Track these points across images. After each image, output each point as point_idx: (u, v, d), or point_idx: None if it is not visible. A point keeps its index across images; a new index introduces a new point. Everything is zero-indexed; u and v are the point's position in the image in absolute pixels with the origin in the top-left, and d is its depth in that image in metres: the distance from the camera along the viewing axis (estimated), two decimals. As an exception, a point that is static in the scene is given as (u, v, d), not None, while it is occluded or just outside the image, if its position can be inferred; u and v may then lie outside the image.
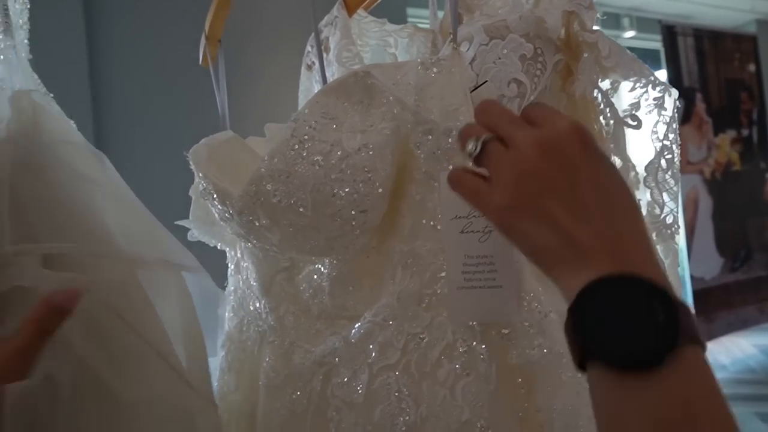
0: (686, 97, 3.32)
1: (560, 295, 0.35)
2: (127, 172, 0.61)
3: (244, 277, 0.76)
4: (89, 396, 0.43)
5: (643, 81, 0.55)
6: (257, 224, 0.56)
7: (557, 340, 0.44)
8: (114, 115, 1.86)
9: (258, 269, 0.72)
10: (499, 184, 0.36)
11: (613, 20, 3.87)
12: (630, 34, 3.89)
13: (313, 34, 0.92)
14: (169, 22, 1.83)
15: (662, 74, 3.44)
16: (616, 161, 0.58)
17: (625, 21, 3.84)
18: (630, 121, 0.56)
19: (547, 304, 0.46)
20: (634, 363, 0.29)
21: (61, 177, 0.51)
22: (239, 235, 0.64)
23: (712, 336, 3.34)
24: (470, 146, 0.37)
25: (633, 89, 0.56)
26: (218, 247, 0.81)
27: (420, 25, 0.86)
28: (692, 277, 3.28)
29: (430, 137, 0.49)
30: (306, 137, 0.49)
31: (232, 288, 0.79)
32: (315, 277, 0.62)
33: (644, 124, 0.56)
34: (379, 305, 0.54)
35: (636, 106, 0.56)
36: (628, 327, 0.30)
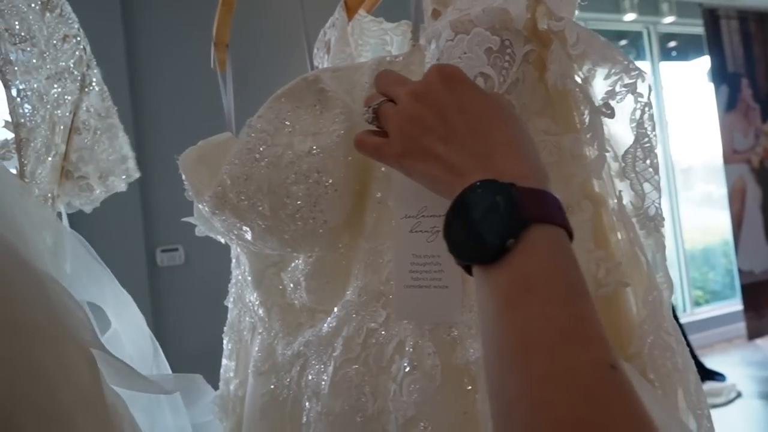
0: (731, 84, 3.05)
1: None
2: (164, 174, 0.61)
3: (242, 270, 0.76)
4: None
5: (618, 68, 0.51)
6: (228, 223, 0.56)
7: None
8: (152, 118, 1.92)
9: (251, 263, 0.72)
10: (392, 137, 0.39)
11: (652, 5, 3.53)
12: (670, 19, 3.50)
13: (319, 37, 0.92)
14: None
15: (705, 60, 3.19)
16: (594, 152, 0.54)
17: (664, 6, 3.51)
18: (604, 110, 0.52)
19: None
20: (480, 256, 0.32)
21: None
22: (222, 232, 0.64)
23: (763, 332, 3.08)
24: (364, 112, 0.41)
25: (608, 76, 0.51)
26: (223, 242, 0.82)
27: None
28: (740, 271, 3.03)
29: None
30: (260, 142, 0.48)
31: (234, 281, 0.80)
32: (296, 272, 0.62)
33: (621, 112, 0.51)
34: (345, 300, 0.52)
35: (612, 93, 0.51)
36: (475, 225, 0.32)
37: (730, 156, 3.02)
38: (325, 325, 0.56)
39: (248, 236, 0.56)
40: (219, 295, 0.82)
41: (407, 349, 0.45)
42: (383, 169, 0.48)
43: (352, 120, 0.48)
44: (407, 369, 0.45)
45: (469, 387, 0.43)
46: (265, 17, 2.09)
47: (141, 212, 2.27)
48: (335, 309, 0.55)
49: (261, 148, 0.48)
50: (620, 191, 0.54)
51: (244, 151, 0.49)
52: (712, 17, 3.02)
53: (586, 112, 0.52)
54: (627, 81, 0.50)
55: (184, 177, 0.62)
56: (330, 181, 0.49)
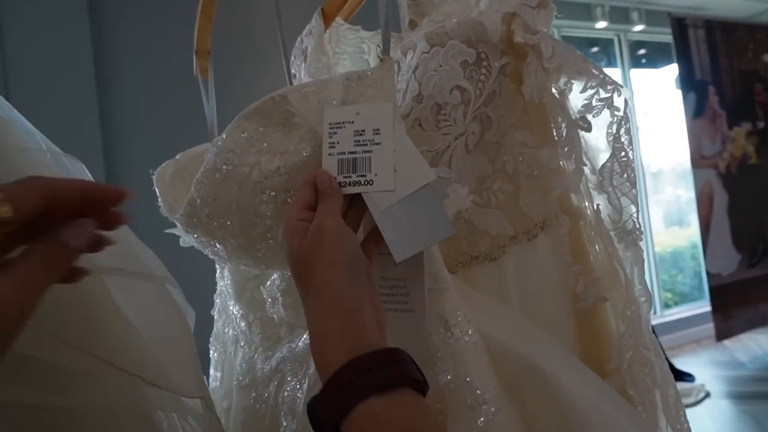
0: (699, 91, 3.05)
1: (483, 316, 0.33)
2: (133, 180, 0.57)
3: (226, 282, 0.72)
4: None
5: (594, 81, 0.48)
6: (203, 240, 0.52)
7: (467, 363, 0.38)
8: (120, 122, 1.82)
9: (233, 276, 0.69)
10: None
11: (622, 14, 3.52)
12: (639, 27, 3.51)
13: (296, 44, 0.88)
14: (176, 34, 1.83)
15: (674, 68, 3.19)
16: (571, 165, 0.51)
17: (634, 14, 3.51)
18: (581, 123, 0.49)
19: (464, 326, 0.40)
20: None
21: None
22: (198, 247, 0.60)
23: (731, 333, 3.07)
24: None
25: (584, 90, 0.48)
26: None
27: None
28: (709, 274, 3.01)
29: None
30: (226, 161, 0.44)
31: (218, 291, 0.76)
32: (273, 287, 0.58)
33: (598, 126, 0.48)
34: None
35: (588, 107, 0.48)
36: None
37: (698, 161, 3.02)
38: (301, 341, 0.52)
39: (222, 253, 0.52)
40: (205, 305, 0.78)
41: None
42: None
43: (318, 139, 0.44)
44: None
45: (437, 405, 0.39)
46: (246, 24, 2.02)
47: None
48: (312, 326, 0.51)
49: (228, 168, 0.45)
50: (598, 204, 0.51)
51: (210, 171, 0.45)
52: (680, 26, 3.02)
53: (563, 125, 0.49)
54: (603, 95, 0.47)
55: (158, 192, 0.58)
56: None
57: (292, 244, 0.37)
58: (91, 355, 0.39)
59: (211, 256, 0.72)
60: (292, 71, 0.90)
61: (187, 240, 0.75)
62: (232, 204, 0.45)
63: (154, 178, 0.60)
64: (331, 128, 0.42)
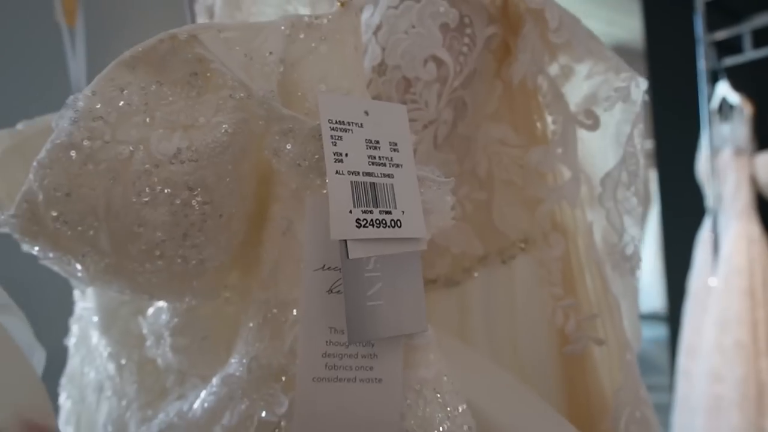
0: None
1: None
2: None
3: (88, 305, 0.54)
4: None
5: (602, 66, 0.38)
6: (49, 256, 0.35)
7: None
8: None
9: (99, 299, 0.51)
10: None
11: None
12: None
13: None
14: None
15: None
16: (565, 172, 0.42)
17: None
18: (584, 119, 0.39)
19: (453, 401, 0.29)
20: None
21: None
22: (46, 262, 0.43)
23: None
24: None
25: (590, 76, 0.39)
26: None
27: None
28: None
29: (290, 143, 0.29)
30: (93, 135, 0.29)
31: (77, 316, 0.57)
32: (158, 321, 0.42)
33: (603, 124, 0.39)
34: (226, 373, 0.34)
35: (592, 99, 0.39)
36: None
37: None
38: (197, 403, 0.37)
39: (81, 275, 0.36)
40: (56, 332, 0.59)
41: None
42: (293, 186, 0.31)
43: (246, 109, 0.30)
44: None
45: None
46: None
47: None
48: (213, 380, 0.37)
49: (93, 146, 0.29)
50: (591, 222, 0.42)
51: (64, 148, 0.29)
52: None
53: (561, 119, 0.39)
54: (618, 84, 0.37)
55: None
56: (209, 202, 0.30)
57: None
58: None
59: (64, 275, 0.54)
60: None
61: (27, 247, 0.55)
62: (99, 203, 0.29)
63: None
64: (333, 129, 0.27)
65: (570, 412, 0.40)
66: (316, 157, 0.29)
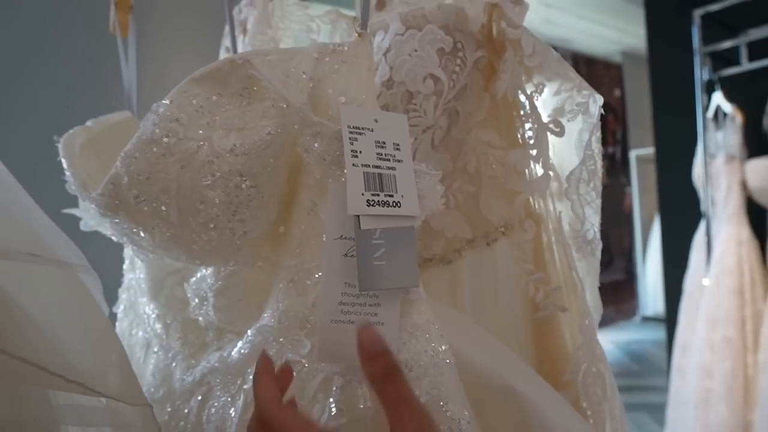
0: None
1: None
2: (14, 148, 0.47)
3: (137, 275, 0.64)
4: None
5: (568, 84, 0.47)
6: (124, 227, 0.45)
7: (442, 385, 0.35)
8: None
9: (148, 270, 0.60)
10: None
11: None
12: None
13: (233, 13, 0.80)
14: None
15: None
16: (538, 169, 0.50)
17: None
18: (554, 127, 0.48)
19: (438, 341, 0.38)
20: None
21: None
22: (114, 235, 0.52)
23: None
24: None
25: (558, 93, 0.48)
26: (114, 239, 0.68)
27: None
28: None
29: (318, 142, 0.39)
30: (169, 133, 0.38)
31: (126, 286, 0.67)
32: (203, 285, 0.51)
33: (568, 131, 0.48)
34: (260, 324, 0.44)
35: (560, 111, 0.48)
36: None
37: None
38: (235, 350, 0.46)
39: (146, 244, 0.45)
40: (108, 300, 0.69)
41: (334, 388, 0.38)
42: (318, 176, 0.41)
43: (285, 116, 0.39)
44: (333, 412, 0.37)
45: None
46: None
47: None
48: (249, 332, 0.46)
49: (170, 141, 0.38)
50: (559, 212, 0.51)
51: (147, 143, 0.39)
52: None
53: (535, 127, 0.48)
54: (579, 100, 0.46)
55: (65, 165, 0.49)
56: (254, 186, 0.40)
57: None
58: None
59: (127, 245, 0.63)
60: (226, 43, 0.82)
61: (90, 224, 0.65)
62: (172, 185, 0.38)
63: (60, 146, 0.51)
64: (351, 133, 0.37)
65: (539, 366, 0.49)
66: (337, 153, 0.38)
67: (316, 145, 0.39)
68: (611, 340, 4.01)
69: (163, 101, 0.39)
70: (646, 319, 4.61)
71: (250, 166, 0.38)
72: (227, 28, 0.83)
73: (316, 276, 0.42)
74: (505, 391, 0.38)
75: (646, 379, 3.25)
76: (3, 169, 0.44)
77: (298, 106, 0.38)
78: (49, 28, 1.45)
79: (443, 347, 0.38)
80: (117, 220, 0.44)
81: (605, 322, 4.38)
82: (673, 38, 1.93)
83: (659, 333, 3.45)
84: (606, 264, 4.47)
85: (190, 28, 1.74)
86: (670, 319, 2.08)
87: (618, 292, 4.61)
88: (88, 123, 0.58)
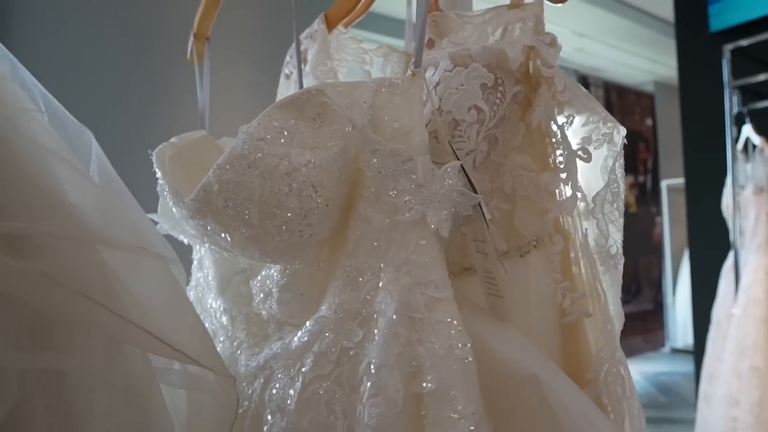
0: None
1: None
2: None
3: (205, 274, 0.72)
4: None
5: (595, 117, 0.54)
6: (208, 228, 0.52)
7: (454, 378, 0.41)
8: (94, 104, 1.73)
9: (217, 269, 0.68)
10: None
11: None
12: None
13: (293, 44, 0.89)
14: (156, 18, 1.77)
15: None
16: (567, 190, 0.57)
17: None
18: (581, 154, 0.55)
19: (459, 338, 0.43)
20: None
21: (23, 150, 0.43)
22: (195, 235, 0.60)
23: None
24: None
25: (586, 124, 0.54)
26: (185, 242, 0.77)
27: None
28: None
29: (376, 159, 0.46)
30: (256, 150, 0.45)
31: (194, 284, 0.75)
32: (267, 282, 0.59)
33: (594, 158, 0.54)
34: (318, 316, 0.51)
35: (587, 140, 0.54)
36: None
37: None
38: (296, 338, 0.53)
39: (225, 243, 0.53)
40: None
41: (373, 371, 0.44)
42: (373, 189, 0.48)
43: (349, 138, 0.47)
44: (371, 392, 0.44)
45: (423, 413, 0.42)
46: (242, 18, 1.99)
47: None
48: (307, 323, 0.53)
49: (256, 157, 0.46)
50: (586, 229, 0.57)
51: (238, 157, 0.46)
52: (584, 83, 3.35)
53: (565, 153, 0.55)
54: (604, 130, 0.52)
55: (160, 174, 0.58)
56: (322, 196, 0.47)
57: None
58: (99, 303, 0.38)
59: (200, 247, 0.71)
60: (286, 71, 0.92)
61: (165, 228, 0.74)
62: (255, 193, 0.46)
63: (153, 158, 0.59)
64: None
65: (564, 366, 0.55)
66: (391, 169, 0.45)
67: (374, 160, 0.46)
68: (639, 371, 3.94)
69: (252, 123, 0.47)
70: (675, 351, 4.51)
71: (320, 179, 0.46)
72: (287, 58, 0.92)
73: (368, 274, 0.49)
74: (529, 379, 0.44)
75: (674, 411, 3.18)
76: (115, 176, 0.52)
77: (361, 128, 0.45)
78: (141, 58, 1.66)
79: (461, 345, 0.43)
80: (202, 223, 0.52)
81: (633, 353, 4.30)
82: (704, 71, 1.96)
83: (688, 365, 3.39)
84: (634, 293, 4.40)
85: (252, 59, 1.89)
86: (698, 351, 2.06)
87: (646, 321, 4.53)
88: (173, 139, 0.67)
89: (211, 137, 0.72)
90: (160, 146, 0.63)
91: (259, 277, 0.61)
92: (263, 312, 0.61)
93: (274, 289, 0.58)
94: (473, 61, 0.52)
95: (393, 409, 0.43)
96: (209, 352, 0.46)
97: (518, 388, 0.43)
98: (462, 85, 0.52)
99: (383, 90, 0.48)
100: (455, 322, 0.44)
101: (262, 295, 0.60)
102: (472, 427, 0.40)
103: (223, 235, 0.53)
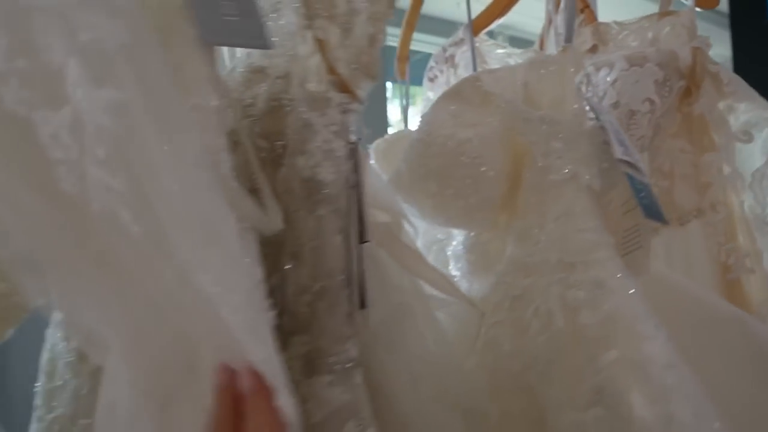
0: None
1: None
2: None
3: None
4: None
5: (756, 104, 0.63)
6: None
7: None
8: None
9: (420, 239, 0.81)
10: None
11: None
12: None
13: (437, 52, 1.02)
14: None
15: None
16: (726, 169, 0.66)
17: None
18: (741, 136, 0.64)
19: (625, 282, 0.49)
20: None
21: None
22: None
23: None
24: None
25: (747, 111, 0.64)
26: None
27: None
28: None
29: (528, 127, 0.52)
30: (431, 132, 0.54)
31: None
32: (459, 248, 0.71)
33: (755, 138, 0.64)
34: (496, 270, 0.58)
35: (749, 124, 0.64)
36: None
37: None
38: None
39: (421, 213, 0.65)
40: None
41: (543, 309, 0.49)
42: (531, 154, 0.53)
43: (505, 113, 0.54)
44: (540, 327, 0.49)
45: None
46: None
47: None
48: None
49: (431, 138, 0.55)
50: (742, 201, 0.66)
51: (417, 141, 0.56)
52: None
53: (723, 137, 0.65)
54: (765, 115, 0.62)
55: (377, 166, 0.73)
56: (485, 164, 0.54)
57: None
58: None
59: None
60: (429, 75, 1.05)
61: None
62: (433, 168, 0.55)
63: (372, 151, 0.74)
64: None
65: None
66: (540, 132, 0.53)
67: (527, 128, 0.52)
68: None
69: (426, 112, 0.58)
70: None
71: (483, 150, 0.54)
72: (432, 63, 1.05)
73: (535, 231, 0.53)
74: (735, 319, 0.53)
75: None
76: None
77: (512, 102, 0.54)
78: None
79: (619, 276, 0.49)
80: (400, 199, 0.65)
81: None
82: (762, 59, 1.89)
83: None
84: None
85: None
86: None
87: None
88: (387, 137, 0.82)
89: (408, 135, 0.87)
90: (376, 142, 0.78)
91: (451, 246, 0.74)
92: (457, 272, 0.74)
93: (463, 252, 0.70)
94: (647, 61, 0.63)
95: (557, 343, 0.49)
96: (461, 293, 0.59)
97: (724, 325, 0.52)
98: (638, 81, 0.63)
99: (537, 67, 0.55)
100: (616, 260, 0.49)
101: (455, 258, 0.73)
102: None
103: (415, 206, 0.65)
